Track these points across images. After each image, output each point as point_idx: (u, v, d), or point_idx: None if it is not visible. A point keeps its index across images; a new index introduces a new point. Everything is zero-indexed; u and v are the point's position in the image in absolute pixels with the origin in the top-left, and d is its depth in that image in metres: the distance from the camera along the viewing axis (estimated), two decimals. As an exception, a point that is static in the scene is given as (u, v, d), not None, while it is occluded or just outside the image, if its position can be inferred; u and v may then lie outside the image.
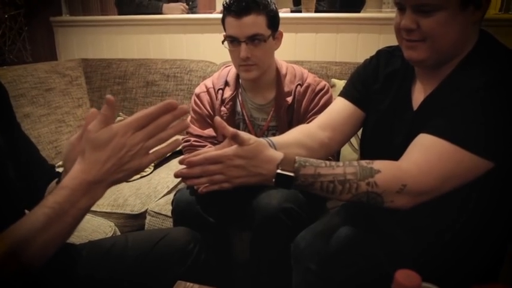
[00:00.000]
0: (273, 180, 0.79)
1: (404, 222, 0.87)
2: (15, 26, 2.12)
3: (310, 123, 1.07)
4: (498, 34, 0.86)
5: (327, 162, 0.80)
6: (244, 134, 0.78)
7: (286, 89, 1.34)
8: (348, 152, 1.63)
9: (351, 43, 1.89)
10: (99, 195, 0.63)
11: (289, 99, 1.33)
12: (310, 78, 1.37)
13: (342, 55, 1.89)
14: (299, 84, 1.34)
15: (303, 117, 1.34)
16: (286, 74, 1.37)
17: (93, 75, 2.10)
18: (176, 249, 0.95)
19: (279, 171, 0.78)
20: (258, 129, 1.39)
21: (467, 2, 0.78)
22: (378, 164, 0.79)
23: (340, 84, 1.72)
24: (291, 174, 0.78)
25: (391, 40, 1.02)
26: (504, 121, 0.75)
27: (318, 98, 1.33)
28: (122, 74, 2.05)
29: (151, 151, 0.65)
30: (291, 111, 1.34)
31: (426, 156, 0.78)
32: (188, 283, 0.88)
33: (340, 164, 0.80)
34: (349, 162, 0.80)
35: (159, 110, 0.64)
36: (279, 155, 0.80)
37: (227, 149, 0.78)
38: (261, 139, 0.84)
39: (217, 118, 0.80)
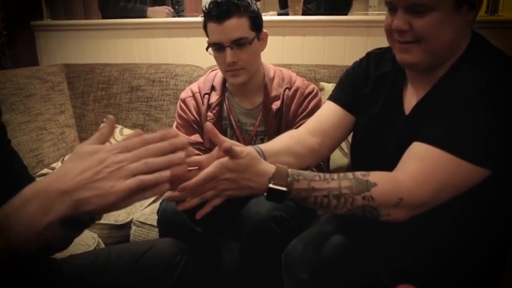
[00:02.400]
0: (265, 194, 0.76)
1: (397, 231, 0.84)
2: (-7, 30, 2.05)
3: (300, 128, 1.04)
4: (485, 36, 0.85)
5: (321, 175, 0.76)
6: (237, 148, 0.74)
7: (274, 93, 1.31)
8: (338, 156, 1.61)
9: (339, 46, 1.88)
10: (57, 210, 0.52)
11: (278, 103, 1.30)
12: (299, 81, 1.34)
13: (330, 58, 1.88)
14: (287, 87, 1.31)
15: (292, 122, 1.31)
16: (274, 77, 1.34)
17: (75, 80, 2.04)
18: (162, 261, 0.91)
19: (271, 185, 0.74)
20: (246, 135, 1.35)
21: (461, 2, 0.76)
22: (374, 177, 0.76)
23: (329, 87, 1.70)
24: (284, 189, 0.74)
25: (379, 42, 1.00)
26: (499, 127, 0.73)
27: (307, 101, 1.31)
28: (105, 79, 2.00)
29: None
30: (280, 115, 1.31)
31: (421, 166, 0.75)
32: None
33: (335, 176, 0.76)
34: (344, 175, 0.76)
35: (156, 137, 0.57)
36: (270, 168, 0.76)
37: (218, 164, 0.74)
38: (252, 150, 0.80)
39: (208, 124, 0.76)
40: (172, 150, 0.57)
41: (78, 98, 2.02)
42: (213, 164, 0.73)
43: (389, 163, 0.89)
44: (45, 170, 1.72)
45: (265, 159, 0.86)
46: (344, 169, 1.56)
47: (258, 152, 0.87)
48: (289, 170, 0.76)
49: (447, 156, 0.74)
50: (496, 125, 0.73)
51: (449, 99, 0.79)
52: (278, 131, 1.31)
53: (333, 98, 1.03)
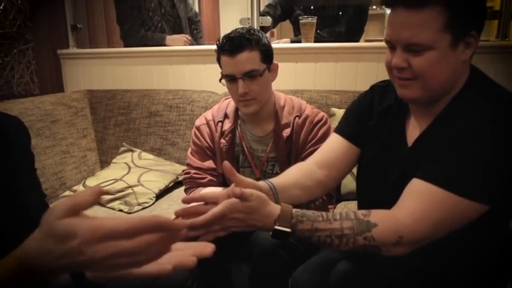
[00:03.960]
0: (270, 233, 0.81)
1: (400, 260, 0.87)
2: (23, 60, 2.18)
3: (307, 161, 1.08)
4: (495, 61, 0.88)
5: (324, 215, 0.81)
6: (247, 191, 0.79)
7: (284, 120, 1.36)
8: (349, 180, 1.63)
9: (350, 72, 1.92)
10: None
11: (288, 130, 1.35)
12: (308, 109, 1.38)
13: (342, 84, 1.91)
14: (297, 115, 1.36)
15: (302, 149, 1.35)
16: (284, 105, 1.38)
17: (98, 106, 2.14)
18: (174, 285, 0.95)
19: (276, 227, 0.79)
20: (257, 161, 1.40)
21: (457, 42, 0.80)
22: (374, 217, 0.79)
23: (340, 112, 1.74)
24: (288, 230, 0.79)
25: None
26: (497, 163, 0.76)
27: (316, 129, 1.35)
28: (125, 104, 2.09)
29: None
30: (290, 142, 1.35)
31: (420, 204, 0.78)
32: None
33: (337, 216, 0.80)
34: (346, 214, 0.80)
35: (145, 225, 0.47)
36: (276, 209, 0.81)
37: (227, 204, 0.79)
38: (261, 194, 0.83)
39: (226, 163, 0.82)
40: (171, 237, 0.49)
41: (100, 123, 2.12)
42: (222, 204, 0.79)
43: (393, 194, 0.92)
44: (67, 192, 1.80)
45: (276, 193, 0.93)
46: (355, 194, 1.57)
47: (270, 187, 0.92)
48: (294, 210, 0.80)
49: (445, 194, 0.77)
50: (494, 162, 0.76)
51: (449, 135, 0.82)
52: (288, 157, 1.35)
53: (339, 130, 1.07)
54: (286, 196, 0.94)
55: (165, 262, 0.51)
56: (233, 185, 0.84)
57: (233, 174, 0.82)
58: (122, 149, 2.01)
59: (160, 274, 0.50)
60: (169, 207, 1.66)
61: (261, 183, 0.90)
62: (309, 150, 1.32)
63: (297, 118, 1.36)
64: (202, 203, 0.86)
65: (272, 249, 1.09)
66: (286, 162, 1.35)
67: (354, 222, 0.79)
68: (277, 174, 1.38)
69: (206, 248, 0.58)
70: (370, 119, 1.02)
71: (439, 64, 0.81)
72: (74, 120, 2.02)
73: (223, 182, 1.40)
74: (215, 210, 0.78)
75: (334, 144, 1.06)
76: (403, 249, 0.79)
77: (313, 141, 1.33)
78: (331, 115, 1.73)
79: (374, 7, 4.23)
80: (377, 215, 0.80)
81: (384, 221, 0.79)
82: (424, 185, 0.79)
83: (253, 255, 1.15)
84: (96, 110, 2.14)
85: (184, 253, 0.55)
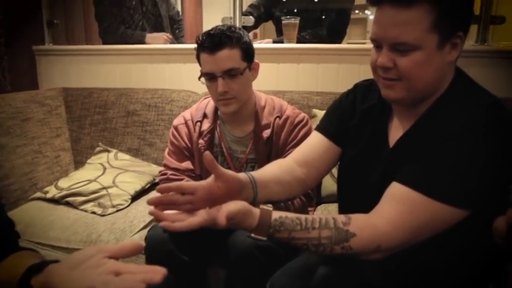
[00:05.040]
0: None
1: (379, 263, 0.85)
2: (-6, 55, 2.10)
3: (287, 158, 1.05)
4: (475, 65, 0.87)
5: (303, 222, 0.78)
6: (232, 212, 0.75)
7: (264, 121, 1.33)
8: (330, 183, 1.61)
9: (332, 73, 1.91)
10: None
11: (268, 131, 1.32)
12: (289, 110, 1.36)
13: (323, 85, 1.90)
14: (278, 116, 1.33)
15: (282, 150, 1.32)
16: (264, 106, 1.36)
17: (73, 104, 2.07)
18: None
19: (252, 235, 0.78)
20: (236, 162, 1.37)
21: (444, 42, 0.78)
22: (354, 225, 0.77)
23: (321, 114, 1.71)
24: (264, 238, 0.78)
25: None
26: (477, 168, 0.74)
27: (296, 130, 1.32)
28: (102, 103, 2.02)
29: None
30: (270, 143, 1.32)
31: (399, 210, 0.77)
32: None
33: (317, 224, 0.77)
34: (326, 222, 0.78)
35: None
36: (255, 220, 0.77)
37: (206, 216, 0.76)
38: (244, 208, 0.79)
39: (207, 154, 0.78)
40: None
41: (75, 122, 2.05)
42: (200, 215, 0.75)
43: (373, 195, 0.90)
44: (38, 194, 1.72)
45: (256, 186, 0.89)
46: (335, 196, 1.55)
47: (250, 180, 0.89)
48: (273, 219, 0.77)
49: (424, 199, 0.75)
50: (475, 167, 0.74)
51: (431, 137, 0.80)
52: (268, 159, 1.32)
53: (320, 128, 1.05)
54: (266, 191, 0.91)
55: (117, 285, 0.55)
56: (212, 176, 0.80)
57: (214, 166, 0.78)
58: (98, 149, 1.95)
59: None
60: (145, 210, 1.60)
61: (241, 175, 0.86)
62: (289, 151, 1.29)
63: (277, 119, 1.33)
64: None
65: (249, 252, 1.06)
66: (265, 164, 1.31)
67: (332, 231, 0.77)
68: (256, 175, 1.35)
69: (157, 274, 0.57)
70: (352, 118, 1.00)
71: (425, 65, 0.79)
72: (47, 119, 1.95)
73: (201, 183, 1.36)
74: (194, 222, 0.74)
75: (314, 143, 1.03)
76: (381, 255, 0.78)
77: (294, 142, 1.31)
78: (313, 116, 1.71)
79: (356, 11, 4.27)
80: (356, 223, 0.77)
81: (363, 230, 0.77)
82: (403, 189, 0.77)
83: (230, 258, 1.11)
84: (72, 109, 2.06)
85: (135, 278, 0.56)
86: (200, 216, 0.74)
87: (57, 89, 2.12)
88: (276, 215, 0.78)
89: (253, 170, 1.35)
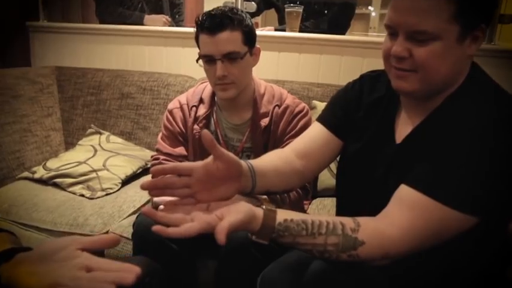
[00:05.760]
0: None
1: (384, 268, 0.81)
2: (-14, 29, 2.02)
3: (286, 148, 1.00)
4: (482, 65, 0.83)
5: (309, 227, 0.72)
6: (235, 223, 0.68)
7: (263, 109, 1.28)
8: (326, 177, 1.58)
9: (334, 65, 1.86)
10: None
11: (266, 120, 1.27)
12: (289, 99, 1.31)
13: (325, 77, 1.85)
14: (277, 105, 1.28)
15: (280, 140, 1.27)
16: (264, 93, 1.31)
17: (66, 84, 2.00)
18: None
19: (254, 239, 0.72)
20: (232, 150, 1.32)
21: (465, 35, 0.73)
22: (363, 232, 0.72)
23: (321, 106, 1.68)
24: (266, 243, 0.73)
25: (375, 64, 0.97)
26: (494, 173, 0.70)
27: (296, 120, 1.27)
28: (96, 84, 1.96)
29: None
30: (268, 132, 1.28)
31: (409, 216, 0.72)
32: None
33: (323, 230, 0.72)
34: (334, 227, 0.72)
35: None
36: (257, 225, 0.70)
37: (204, 225, 0.68)
38: (252, 214, 0.73)
39: (206, 132, 0.70)
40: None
41: (67, 102, 1.99)
42: (198, 222, 0.67)
43: (375, 191, 0.85)
44: (25, 174, 1.67)
45: (254, 175, 0.84)
46: (332, 190, 1.52)
47: (249, 168, 0.84)
48: (277, 223, 0.71)
49: (436, 205, 0.71)
50: (490, 172, 0.70)
51: (443, 136, 0.76)
52: (265, 149, 1.28)
53: (322, 119, 1.00)
54: (264, 181, 0.85)
55: (85, 285, 0.54)
56: (211, 157, 0.74)
57: (213, 145, 0.71)
58: (90, 130, 1.89)
59: None
60: (135, 195, 1.56)
61: (241, 162, 0.81)
62: (287, 142, 1.25)
63: (276, 107, 1.28)
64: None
65: (242, 245, 1.02)
66: (262, 153, 1.26)
67: (340, 238, 0.71)
68: (252, 165, 1.31)
69: (129, 274, 0.55)
70: (357, 110, 0.95)
71: (443, 57, 0.73)
72: (38, 97, 1.89)
73: (194, 170, 1.32)
74: (192, 229, 0.66)
75: (315, 135, 0.98)
76: (387, 261, 0.74)
77: (292, 132, 1.26)
78: (312, 108, 1.67)
79: (359, 6, 4.21)
80: (366, 231, 0.72)
81: (372, 238, 0.72)
82: (413, 194, 0.73)
83: (222, 250, 1.07)
84: (64, 88, 2.00)
85: (106, 277, 0.55)
86: (198, 223, 0.66)
87: (50, 67, 2.05)
88: (281, 218, 0.72)
89: (248, 159, 1.31)
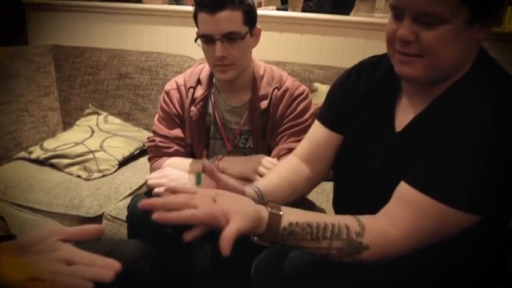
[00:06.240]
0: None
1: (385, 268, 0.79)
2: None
3: (291, 157, 1.01)
4: (489, 48, 0.79)
5: (314, 230, 0.70)
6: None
7: (262, 91, 1.25)
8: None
9: (337, 47, 1.81)
10: None
11: (265, 103, 1.24)
12: (289, 81, 1.27)
13: (327, 59, 1.81)
14: (276, 87, 1.25)
15: (279, 123, 1.24)
16: (263, 75, 1.27)
17: (63, 63, 1.97)
18: (123, 266, 0.85)
19: (255, 240, 0.70)
20: (230, 133, 1.29)
21: (475, 18, 0.69)
22: (368, 236, 0.70)
23: (323, 88, 1.64)
24: (266, 245, 0.71)
25: (380, 47, 0.91)
26: (495, 169, 0.67)
27: (295, 103, 1.24)
28: (94, 63, 1.93)
29: None
30: (266, 115, 1.25)
31: (411, 216, 0.70)
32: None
33: (328, 233, 0.69)
34: (339, 231, 0.70)
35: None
36: (262, 230, 0.68)
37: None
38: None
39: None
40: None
41: (65, 81, 1.95)
42: (202, 212, 0.66)
43: (371, 181, 0.83)
44: (22, 154, 1.65)
45: (263, 198, 0.85)
46: (331, 174, 1.50)
47: (258, 195, 0.84)
48: (281, 227, 0.68)
49: (439, 207, 0.68)
50: (497, 169, 0.67)
51: (446, 127, 0.72)
52: (263, 132, 1.25)
53: (319, 117, 0.98)
54: (272, 198, 0.85)
55: (60, 282, 0.54)
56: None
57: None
58: (87, 110, 1.87)
59: None
60: (133, 176, 1.54)
61: (248, 190, 0.81)
62: (286, 125, 1.22)
63: (276, 90, 1.25)
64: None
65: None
66: (260, 137, 1.25)
67: (344, 242, 0.69)
68: (250, 148, 1.29)
69: (108, 271, 0.54)
70: (354, 98, 0.90)
71: (452, 42, 0.69)
72: (35, 77, 1.85)
73: (191, 152, 1.30)
74: (196, 217, 0.65)
75: (316, 136, 0.97)
76: (387, 260, 0.72)
77: (292, 115, 1.23)
78: (314, 90, 1.64)
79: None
80: (370, 235, 0.70)
81: (376, 242, 0.70)
82: (415, 194, 0.70)
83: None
84: (61, 68, 1.97)
85: (85, 272, 0.54)
86: (202, 212, 0.64)
87: (46, 46, 2.01)
88: (286, 221, 0.69)
89: (246, 142, 1.29)
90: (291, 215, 0.70)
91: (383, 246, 0.70)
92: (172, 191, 0.71)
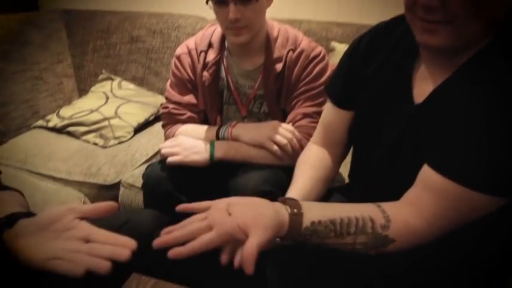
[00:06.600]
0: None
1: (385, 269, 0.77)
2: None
3: (311, 146, 0.98)
4: None
5: (338, 228, 0.65)
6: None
7: (276, 54, 1.19)
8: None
9: (356, 2, 1.70)
10: None
11: (279, 65, 1.19)
12: (305, 42, 1.21)
13: (346, 15, 1.71)
14: (291, 49, 1.19)
15: (294, 87, 1.19)
16: (277, 37, 1.21)
17: (75, 28, 1.93)
18: (139, 236, 0.86)
19: (277, 241, 0.66)
20: (244, 98, 1.26)
21: None
22: (393, 230, 0.66)
23: (341, 48, 1.56)
24: (289, 243, 0.67)
25: (403, 2, 0.85)
26: None
27: (311, 66, 1.18)
28: (105, 27, 1.89)
29: None
30: (281, 79, 1.20)
31: (437, 205, 0.65)
32: (143, 277, 0.79)
33: (352, 229, 0.65)
34: (364, 225, 0.65)
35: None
36: (283, 231, 0.63)
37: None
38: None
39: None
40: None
41: (77, 47, 1.93)
42: (218, 235, 0.60)
43: (386, 160, 0.77)
44: (40, 122, 1.67)
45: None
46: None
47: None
48: (303, 227, 0.64)
49: (469, 194, 0.63)
50: None
51: (469, 102, 0.64)
52: (278, 96, 1.21)
53: (330, 95, 0.93)
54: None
55: (79, 261, 0.54)
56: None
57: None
58: (101, 76, 1.85)
59: (71, 275, 0.53)
60: (148, 142, 1.54)
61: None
62: (302, 89, 1.17)
63: (290, 52, 1.19)
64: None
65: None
66: (275, 101, 1.21)
67: (369, 236, 0.66)
68: (264, 113, 1.25)
69: (124, 250, 0.55)
70: (365, 68, 0.83)
71: (483, 4, 0.60)
72: (47, 43, 1.83)
73: (205, 119, 1.27)
74: (212, 243, 0.59)
75: (330, 119, 0.93)
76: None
77: (307, 79, 1.18)
78: (331, 50, 1.56)
79: None
80: (396, 228, 0.66)
81: (402, 235, 0.66)
82: (443, 181, 0.64)
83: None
84: (73, 33, 1.94)
85: (102, 250, 0.56)
86: (218, 235, 0.58)
87: (56, 11, 1.97)
88: (308, 221, 0.64)
89: (261, 107, 1.26)
90: (312, 213, 0.65)
91: (409, 237, 0.67)
92: (184, 208, 0.68)
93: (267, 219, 0.60)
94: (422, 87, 0.74)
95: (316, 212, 0.65)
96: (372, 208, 0.68)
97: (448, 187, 0.64)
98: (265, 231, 0.58)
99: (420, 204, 0.67)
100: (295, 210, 0.64)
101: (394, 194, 0.71)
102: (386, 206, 0.68)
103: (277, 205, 0.64)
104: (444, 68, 0.70)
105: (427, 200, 0.66)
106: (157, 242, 0.59)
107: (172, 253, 0.56)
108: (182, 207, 0.66)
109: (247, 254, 0.55)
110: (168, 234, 0.59)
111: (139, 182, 1.30)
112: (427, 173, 0.67)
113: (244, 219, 0.59)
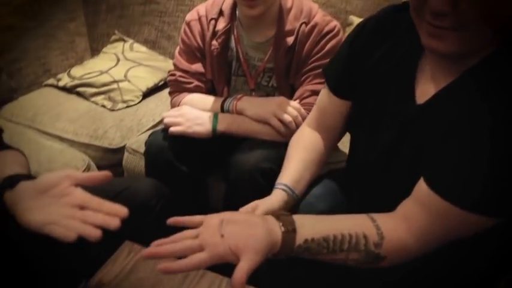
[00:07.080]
0: None
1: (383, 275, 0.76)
2: None
3: (304, 128, 0.97)
4: None
5: (331, 244, 0.64)
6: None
7: (288, 26, 1.15)
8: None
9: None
10: None
11: (291, 39, 1.14)
12: (319, 16, 1.16)
13: (368, -13, 1.62)
14: (304, 22, 1.14)
15: (304, 62, 1.16)
16: (291, 8, 1.16)
17: (88, -16, 1.90)
18: (136, 204, 0.87)
19: (269, 256, 0.64)
20: (253, 70, 1.23)
21: None
22: (386, 248, 0.65)
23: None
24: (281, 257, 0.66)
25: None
26: None
27: (324, 41, 1.14)
28: (118, -15, 1.85)
29: None
30: (292, 53, 1.16)
31: (429, 222, 0.64)
32: (136, 245, 0.81)
33: (345, 246, 0.64)
34: (356, 242, 0.64)
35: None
36: (274, 248, 0.62)
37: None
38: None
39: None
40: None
41: (90, 6, 1.90)
42: (209, 256, 0.59)
43: (383, 161, 0.75)
44: (51, 80, 1.68)
45: (293, 192, 0.87)
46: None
47: (286, 191, 0.86)
48: (296, 245, 0.63)
49: (462, 214, 0.61)
50: None
51: (476, 115, 0.60)
52: (287, 71, 1.18)
53: (328, 80, 0.89)
54: (302, 185, 0.88)
55: (72, 227, 0.56)
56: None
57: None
58: (114, 37, 1.83)
59: (63, 240, 0.55)
60: (156, 108, 1.54)
61: (277, 193, 0.86)
62: (312, 65, 1.14)
63: (303, 25, 1.14)
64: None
65: (250, 174, 0.99)
66: (284, 75, 1.18)
67: (361, 254, 0.65)
68: (273, 87, 1.22)
69: (114, 220, 0.57)
70: (368, 58, 0.78)
71: (497, 13, 0.55)
72: (60, 0, 1.80)
73: (212, 89, 1.25)
74: (203, 264, 0.58)
75: (326, 103, 0.90)
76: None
77: (319, 55, 1.14)
78: (349, 24, 1.50)
79: None
80: (388, 246, 0.65)
81: (394, 252, 0.66)
82: (437, 199, 0.62)
83: (230, 176, 1.05)
84: (87, -10, 1.90)
85: (95, 218, 0.58)
86: (209, 256, 0.57)
87: (71, -35, 1.93)
88: (301, 239, 0.63)
89: (270, 80, 1.23)
90: (305, 229, 0.64)
91: (400, 255, 0.66)
92: (175, 221, 0.65)
93: (259, 241, 0.59)
94: (426, 88, 0.69)
95: (310, 229, 0.64)
96: (366, 223, 0.67)
97: (438, 203, 0.62)
98: (255, 255, 0.58)
99: (411, 219, 0.66)
100: (289, 227, 0.63)
101: (390, 196, 0.70)
102: (381, 220, 0.67)
103: (271, 222, 0.62)
104: (448, 71, 0.66)
105: (417, 214, 0.65)
106: (146, 253, 0.58)
107: (162, 267, 0.56)
108: (173, 220, 0.65)
109: (237, 278, 0.55)
110: (159, 247, 0.58)
111: (143, 148, 1.30)
112: (420, 186, 0.66)
113: (235, 242, 0.58)
